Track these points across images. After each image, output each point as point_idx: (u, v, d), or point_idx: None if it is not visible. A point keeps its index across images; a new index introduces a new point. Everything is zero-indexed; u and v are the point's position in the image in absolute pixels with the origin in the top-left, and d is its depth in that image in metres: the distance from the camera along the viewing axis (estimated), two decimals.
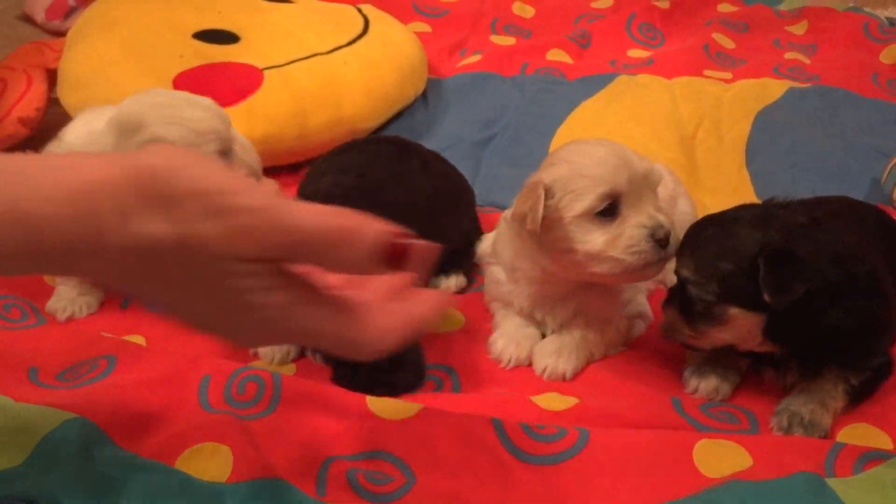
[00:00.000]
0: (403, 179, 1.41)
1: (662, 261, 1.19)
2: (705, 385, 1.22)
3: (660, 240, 1.17)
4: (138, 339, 1.33)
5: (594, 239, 1.19)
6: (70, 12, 2.62)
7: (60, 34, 2.54)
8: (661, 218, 1.19)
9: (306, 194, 1.38)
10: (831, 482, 1.01)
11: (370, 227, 0.70)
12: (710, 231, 1.17)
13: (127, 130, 1.30)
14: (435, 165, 1.50)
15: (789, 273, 1.11)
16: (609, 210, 1.19)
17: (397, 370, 1.21)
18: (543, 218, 1.19)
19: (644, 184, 1.20)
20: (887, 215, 1.37)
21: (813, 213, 1.20)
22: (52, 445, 1.06)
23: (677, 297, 1.21)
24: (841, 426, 1.17)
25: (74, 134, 1.43)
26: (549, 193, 1.20)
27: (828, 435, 1.16)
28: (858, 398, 1.19)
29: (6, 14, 2.72)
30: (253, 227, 0.68)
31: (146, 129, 1.28)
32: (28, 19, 2.67)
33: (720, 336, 1.19)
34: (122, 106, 1.34)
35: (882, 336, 1.23)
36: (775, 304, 1.11)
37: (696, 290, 1.16)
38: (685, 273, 1.17)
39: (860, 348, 1.19)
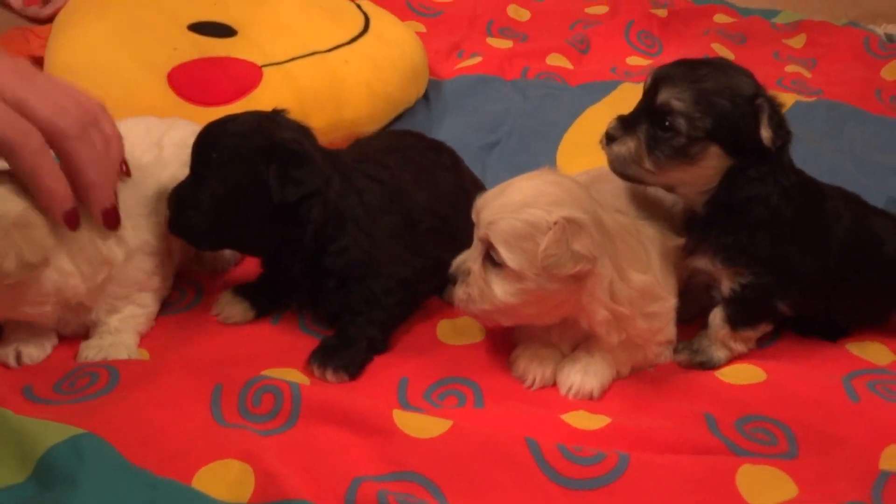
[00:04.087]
0: (435, 178, 1.39)
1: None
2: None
3: (450, 275, 1.20)
4: (141, 353, 1.26)
5: None
6: None
7: (39, 20, 2.45)
8: (459, 263, 1.18)
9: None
10: None
11: None
12: (704, 70, 1.19)
13: None
14: (461, 164, 1.48)
15: (783, 120, 1.19)
16: None
17: None
18: None
19: (477, 227, 1.16)
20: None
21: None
22: (58, 461, 0.98)
23: (643, 128, 1.20)
24: (883, 445, 1.11)
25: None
26: None
27: (713, 363, 1.26)
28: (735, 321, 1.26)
29: None
30: None
31: None
32: (4, 3, 2.57)
33: (681, 175, 1.21)
34: None
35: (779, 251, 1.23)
36: (773, 142, 1.16)
37: (687, 123, 1.16)
38: (678, 105, 1.16)
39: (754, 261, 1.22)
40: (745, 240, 1.21)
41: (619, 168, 1.24)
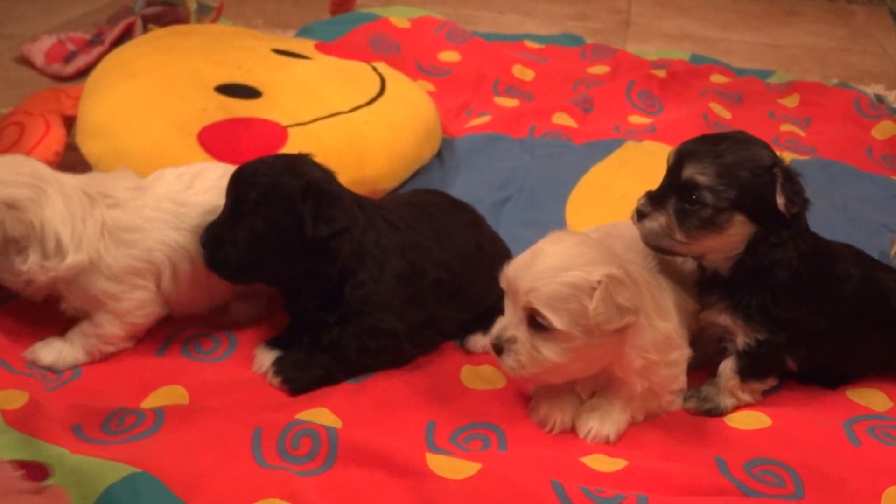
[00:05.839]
0: (452, 235, 1.47)
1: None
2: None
3: (494, 346, 1.23)
4: (179, 391, 1.33)
5: None
6: (70, 56, 2.63)
7: (61, 78, 2.55)
8: (500, 332, 1.22)
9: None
10: None
11: None
12: (724, 144, 1.28)
13: None
14: (482, 223, 1.56)
15: (800, 188, 1.26)
16: None
17: None
18: None
19: (514, 296, 1.21)
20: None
21: None
22: (116, 499, 1.05)
23: (671, 203, 1.29)
24: (884, 487, 1.19)
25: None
26: None
27: (720, 411, 1.33)
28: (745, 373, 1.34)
29: (3, 56, 2.72)
30: None
31: None
32: (26, 62, 2.66)
33: (710, 244, 1.29)
34: None
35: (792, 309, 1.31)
36: (787, 208, 1.24)
37: (713, 196, 1.25)
38: (703, 180, 1.25)
39: (768, 314, 1.30)
40: (767, 300, 1.29)
41: (653, 242, 1.32)
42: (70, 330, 1.38)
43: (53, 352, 1.35)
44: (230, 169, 1.41)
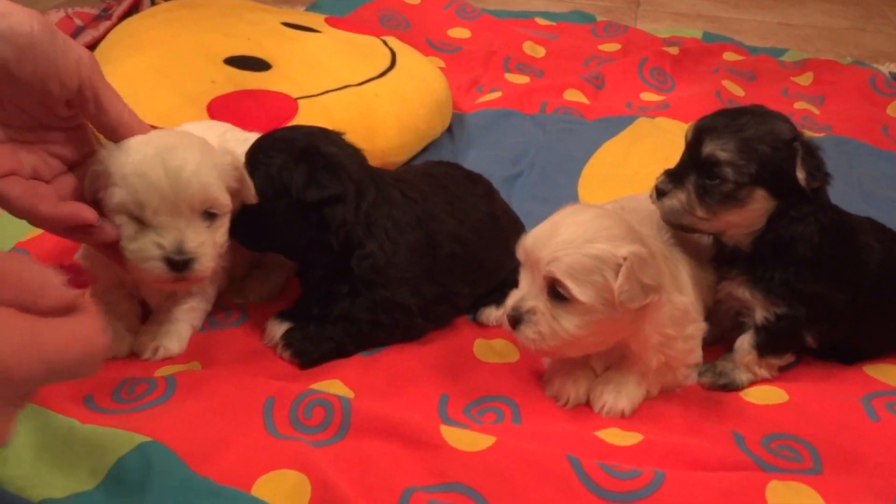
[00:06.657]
0: (466, 206, 1.45)
1: None
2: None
3: (511, 317, 1.20)
4: (193, 365, 1.31)
5: None
6: (77, 31, 2.60)
7: None
8: (518, 304, 1.19)
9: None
10: None
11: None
12: (744, 119, 1.26)
13: None
14: (495, 195, 1.54)
15: (820, 163, 1.25)
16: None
17: None
18: None
19: (534, 266, 1.19)
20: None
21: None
22: (128, 470, 1.04)
23: (691, 179, 1.27)
24: None
25: None
26: None
27: (735, 386, 1.32)
28: (763, 348, 1.32)
29: None
30: None
31: None
32: None
33: (731, 219, 1.28)
34: None
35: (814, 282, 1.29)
36: (808, 182, 1.23)
37: (734, 171, 1.23)
38: (723, 155, 1.24)
39: (790, 286, 1.29)
40: (790, 275, 1.28)
41: (673, 219, 1.31)
42: (172, 312, 1.35)
43: (174, 337, 1.33)
44: (214, 123, 1.43)
